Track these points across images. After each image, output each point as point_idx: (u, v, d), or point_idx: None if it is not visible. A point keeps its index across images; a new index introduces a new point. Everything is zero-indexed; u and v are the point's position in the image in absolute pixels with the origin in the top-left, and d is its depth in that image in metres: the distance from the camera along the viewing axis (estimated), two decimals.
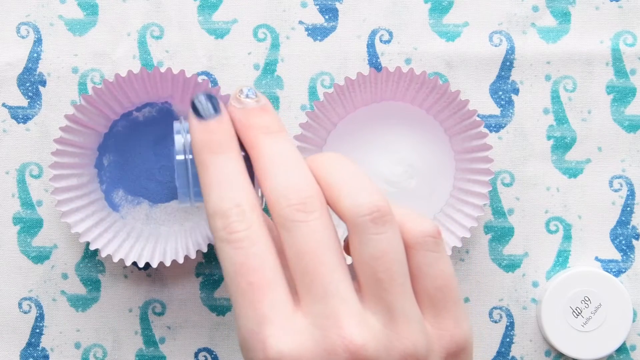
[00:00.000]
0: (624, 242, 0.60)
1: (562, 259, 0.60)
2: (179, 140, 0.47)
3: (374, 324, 0.42)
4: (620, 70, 0.60)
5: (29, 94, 0.60)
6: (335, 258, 0.42)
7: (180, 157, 0.47)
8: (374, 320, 0.42)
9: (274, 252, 0.43)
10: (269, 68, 0.60)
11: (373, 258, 0.42)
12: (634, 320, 0.60)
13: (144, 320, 0.60)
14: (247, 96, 0.46)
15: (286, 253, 0.42)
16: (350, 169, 0.44)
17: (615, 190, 0.60)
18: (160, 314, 0.60)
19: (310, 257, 0.42)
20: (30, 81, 0.60)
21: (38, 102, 0.60)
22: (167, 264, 0.56)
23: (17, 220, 0.60)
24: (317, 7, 0.60)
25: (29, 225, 0.60)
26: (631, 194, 0.60)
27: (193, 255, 0.56)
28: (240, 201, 0.43)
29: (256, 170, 0.44)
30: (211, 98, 0.46)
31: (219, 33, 0.60)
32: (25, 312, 0.60)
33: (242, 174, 0.44)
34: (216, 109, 0.46)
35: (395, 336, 0.42)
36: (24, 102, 0.60)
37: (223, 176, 0.44)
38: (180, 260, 0.56)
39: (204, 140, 0.45)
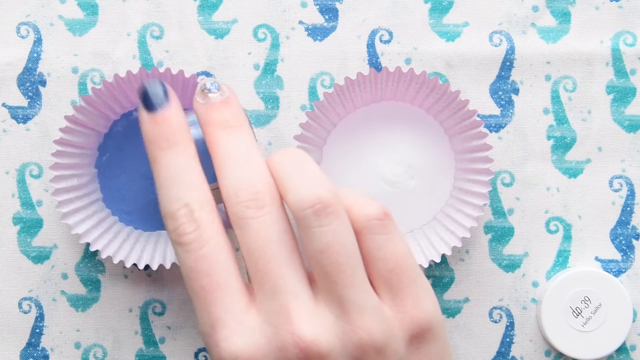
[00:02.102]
0: (624, 242, 0.60)
1: (562, 259, 0.60)
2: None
3: (327, 316, 0.41)
4: (620, 70, 0.60)
5: (29, 94, 0.60)
6: (285, 253, 0.42)
7: None
8: (327, 313, 0.41)
9: (228, 250, 0.42)
10: (269, 68, 0.60)
11: (318, 251, 0.41)
12: (634, 320, 0.60)
13: (144, 320, 0.60)
14: (209, 90, 0.45)
15: (241, 250, 0.42)
16: (298, 163, 0.43)
17: (615, 190, 0.60)
18: (160, 314, 0.60)
19: (260, 253, 0.42)
20: (30, 81, 0.60)
21: (38, 102, 0.60)
22: (167, 266, 0.56)
23: (17, 220, 0.60)
24: (317, 7, 0.60)
25: (29, 225, 0.60)
26: (631, 194, 0.60)
27: None
28: (188, 200, 0.42)
29: (214, 168, 0.44)
30: (161, 86, 0.45)
31: (219, 33, 0.60)
32: (25, 312, 0.60)
33: (191, 170, 0.43)
34: (164, 98, 0.44)
35: (348, 327, 0.41)
36: (24, 102, 0.60)
37: (170, 174, 0.43)
38: None
39: (152, 135, 0.44)
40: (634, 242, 0.60)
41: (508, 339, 0.60)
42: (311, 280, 0.43)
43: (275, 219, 0.42)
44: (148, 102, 0.44)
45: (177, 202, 0.42)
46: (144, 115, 0.44)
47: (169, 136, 0.44)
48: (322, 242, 0.41)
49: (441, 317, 0.44)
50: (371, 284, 0.43)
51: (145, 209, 0.58)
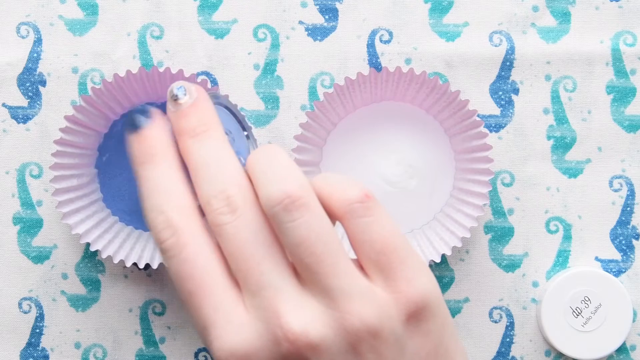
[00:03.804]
0: (624, 242, 0.60)
1: (562, 259, 0.60)
2: None
3: (316, 306, 0.41)
4: (620, 70, 0.60)
5: (29, 94, 0.60)
6: (263, 249, 0.42)
7: None
8: (314, 302, 0.41)
9: (210, 250, 0.42)
10: (269, 68, 0.60)
11: (295, 246, 0.41)
12: (634, 320, 0.60)
13: (144, 320, 0.60)
14: (177, 96, 0.45)
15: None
16: (267, 159, 0.43)
17: (615, 190, 0.60)
18: (160, 314, 0.60)
19: (238, 254, 0.42)
20: (30, 81, 0.60)
21: (38, 102, 0.60)
22: None
23: (17, 220, 0.60)
24: (317, 7, 0.60)
25: (29, 225, 0.60)
26: (631, 194, 0.60)
27: None
28: (165, 207, 0.43)
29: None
30: (143, 111, 0.45)
31: (219, 33, 0.60)
32: (25, 312, 0.60)
33: (169, 179, 0.43)
34: (147, 119, 0.45)
35: (338, 314, 0.41)
36: (24, 102, 0.60)
37: (150, 185, 0.43)
38: None
39: (134, 152, 0.44)
40: (634, 242, 0.60)
41: (508, 339, 0.60)
42: (297, 272, 0.43)
43: (249, 219, 0.42)
44: (132, 125, 0.45)
45: (155, 211, 0.43)
46: (129, 138, 0.45)
47: (147, 150, 0.44)
48: (296, 236, 0.41)
49: (438, 293, 0.43)
50: (363, 268, 0.43)
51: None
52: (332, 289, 0.41)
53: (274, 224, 0.42)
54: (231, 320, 0.42)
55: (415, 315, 0.42)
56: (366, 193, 0.42)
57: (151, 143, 0.44)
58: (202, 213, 0.44)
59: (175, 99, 0.45)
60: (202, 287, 0.42)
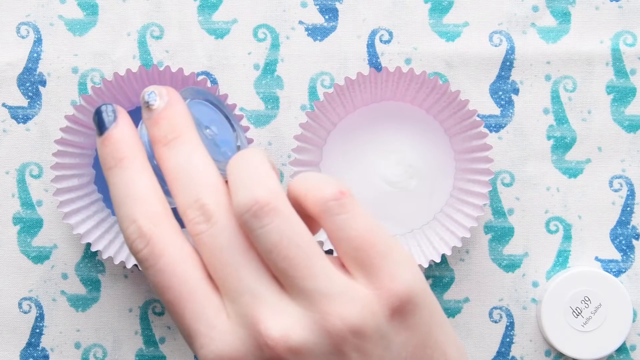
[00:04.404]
0: (624, 242, 0.60)
1: (562, 259, 0.60)
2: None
3: (295, 309, 0.41)
4: (620, 70, 0.60)
5: (29, 94, 0.60)
6: (239, 255, 0.41)
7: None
8: (294, 306, 0.41)
9: (186, 257, 0.42)
10: (269, 68, 0.60)
11: (268, 252, 0.41)
12: (634, 320, 0.60)
13: (144, 320, 0.60)
14: (148, 103, 0.45)
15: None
16: (238, 166, 0.42)
17: (615, 190, 0.60)
18: (160, 314, 0.60)
19: (216, 261, 0.41)
20: (30, 81, 0.60)
21: (38, 102, 0.60)
22: None
23: (17, 220, 0.60)
24: (317, 7, 0.60)
25: (29, 225, 0.60)
26: (631, 194, 0.60)
27: None
28: (136, 216, 0.42)
29: None
30: (111, 108, 0.44)
31: (219, 33, 0.60)
32: (25, 312, 0.60)
33: (135, 184, 0.43)
34: (113, 119, 0.44)
35: (318, 316, 0.40)
36: (24, 102, 0.60)
37: (119, 192, 0.43)
38: None
39: (101, 155, 0.44)
40: (634, 242, 0.60)
41: (508, 339, 0.60)
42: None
43: (224, 226, 0.42)
44: (99, 126, 0.44)
45: (126, 220, 0.42)
46: (97, 140, 0.44)
47: (113, 154, 0.43)
48: (268, 242, 0.41)
49: (423, 284, 0.42)
50: (344, 266, 0.42)
51: None
52: (310, 291, 0.40)
53: (247, 231, 0.41)
54: (215, 327, 0.41)
55: (400, 310, 0.41)
56: (341, 190, 0.42)
57: (117, 146, 0.43)
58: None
59: (147, 105, 0.44)
60: (181, 297, 0.42)
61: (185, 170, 0.43)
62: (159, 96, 0.45)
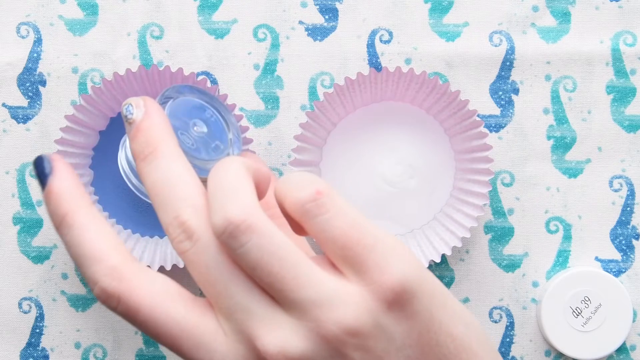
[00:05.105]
0: (624, 242, 0.60)
1: (562, 259, 0.60)
2: (120, 157, 0.49)
3: (289, 322, 0.40)
4: (620, 70, 0.60)
5: (29, 94, 0.60)
6: (226, 272, 0.41)
7: (122, 173, 0.49)
8: (287, 318, 0.40)
9: (164, 298, 0.42)
10: (269, 68, 0.60)
11: (251, 269, 0.40)
12: (634, 320, 0.60)
13: None
14: (127, 118, 0.44)
15: None
16: (213, 184, 0.41)
17: (615, 190, 0.60)
18: None
19: (204, 280, 0.41)
20: (30, 81, 0.60)
21: (38, 102, 0.60)
22: (168, 268, 0.56)
23: (17, 220, 0.60)
24: (317, 7, 0.60)
25: (29, 225, 0.60)
26: (631, 194, 0.60)
27: None
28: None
29: None
30: (46, 161, 0.45)
31: (219, 33, 0.60)
32: (25, 312, 0.60)
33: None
34: (47, 170, 0.44)
35: (312, 325, 0.40)
36: (24, 102, 0.60)
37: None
38: (181, 265, 0.56)
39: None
40: (634, 242, 0.60)
41: (508, 339, 0.60)
42: None
43: (206, 243, 0.41)
44: (40, 180, 0.44)
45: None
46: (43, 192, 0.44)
47: (57, 212, 0.44)
48: (249, 260, 0.40)
49: (417, 270, 0.41)
50: (334, 265, 0.42)
51: (145, 212, 0.58)
52: (300, 302, 0.40)
53: (229, 250, 0.41)
54: (215, 352, 0.41)
55: (397, 301, 0.40)
56: (318, 190, 0.41)
57: (57, 203, 0.44)
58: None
59: (126, 119, 0.44)
60: (174, 339, 0.42)
61: (163, 185, 0.42)
62: (136, 107, 0.44)
